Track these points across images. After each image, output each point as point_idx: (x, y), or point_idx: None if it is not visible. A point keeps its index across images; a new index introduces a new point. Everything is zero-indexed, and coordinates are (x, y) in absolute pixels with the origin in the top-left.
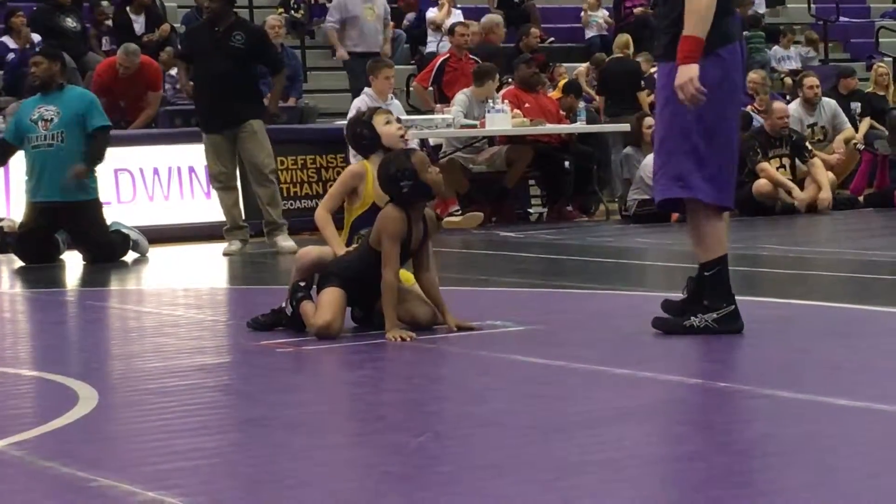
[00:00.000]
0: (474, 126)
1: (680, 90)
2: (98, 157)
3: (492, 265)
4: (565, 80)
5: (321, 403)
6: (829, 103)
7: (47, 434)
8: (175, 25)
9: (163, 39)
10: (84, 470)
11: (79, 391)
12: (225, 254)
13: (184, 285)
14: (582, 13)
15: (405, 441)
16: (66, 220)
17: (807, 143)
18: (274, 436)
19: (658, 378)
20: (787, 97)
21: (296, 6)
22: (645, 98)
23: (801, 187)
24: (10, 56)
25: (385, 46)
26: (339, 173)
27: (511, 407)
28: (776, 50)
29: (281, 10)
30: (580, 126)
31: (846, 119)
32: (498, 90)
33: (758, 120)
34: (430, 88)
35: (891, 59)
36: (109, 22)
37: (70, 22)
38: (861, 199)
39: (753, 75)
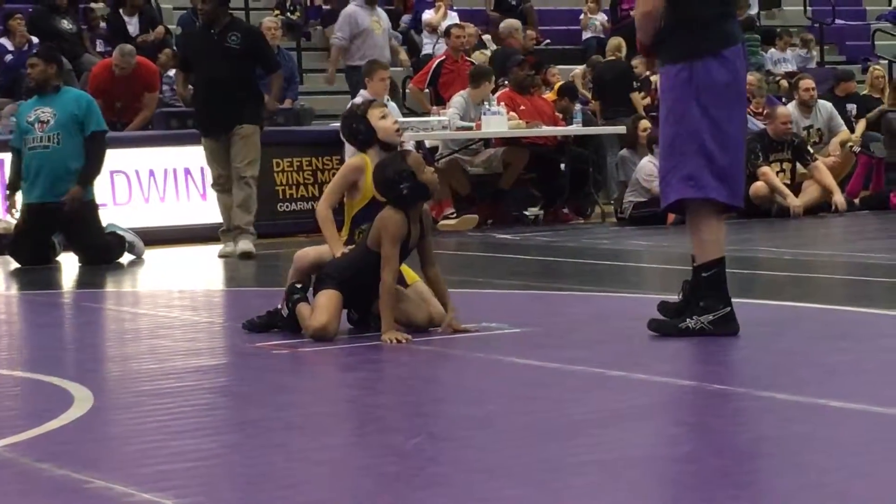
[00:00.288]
0: (470, 128)
1: None
2: (97, 166)
3: (488, 267)
4: (561, 84)
5: (317, 405)
6: (825, 106)
7: (42, 435)
8: (171, 27)
9: (158, 41)
10: (79, 471)
11: (74, 393)
12: (220, 255)
13: (179, 287)
14: (581, 15)
15: (401, 442)
16: (61, 222)
17: (808, 147)
18: (270, 437)
19: (654, 380)
20: (784, 100)
21: (292, 8)
22: (639, 99)
23: (800, 190)
24: (8, 57)
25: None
26: (334, 175)
27: (507, 409)
28: (772, 52)
29: (277, 12)
30: (576, 128)
31: (842, 122)
32: (493, 92)
33: (752, 122)
34: (427, 90)
35: (886, 61)
36: (103, 24)
37: (66, 24)
38: (857, 201)
39: (749, 77)
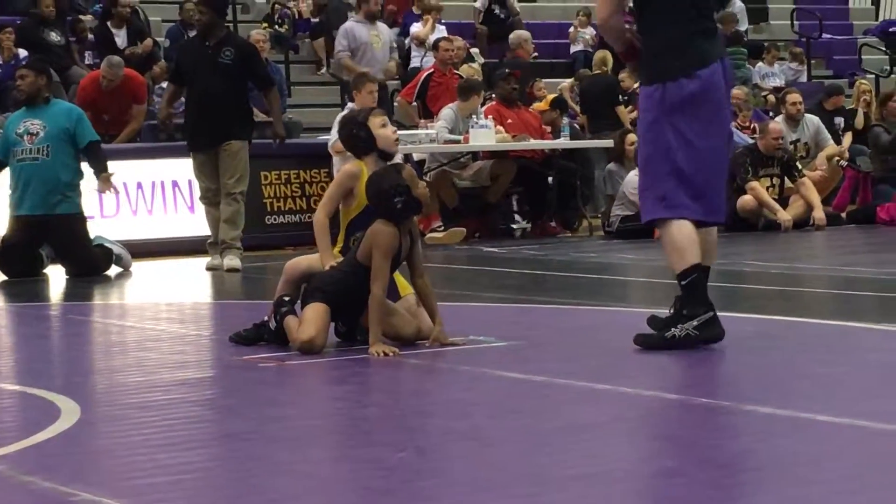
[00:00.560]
0: (457, 141)
1: None
2: (104, 166)
3: (475, 281)
4: (555, 96)
5: (304, 418)
6: (812, 120)
7: (29, 448)
8: (159, 40)
9: (146, 53)
10: (66, 484)
11: (61, 405)
12: (208, 268)
13: (167, 300)
14: (571, 29)
15: (388, 456)
16: (49, 234)
17: (797, 163)
18: (256, 450)
19: (640, 393)
20: (770, 114)
21: (280, 21)
22: (625, 113)
23: (787, 204)
24: None
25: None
26: (323, 188)
27: (493, 422)
28: (760, 66)
29: (265, 24)
30: (563, 142)
31: (829, 136)
32: (482, 105)
33: (738, 136)
34: (415, 103)
35: (873, 75)
36: (91, 36)
37: (54, 36)
38: (844, 215)
39: (736, 91)
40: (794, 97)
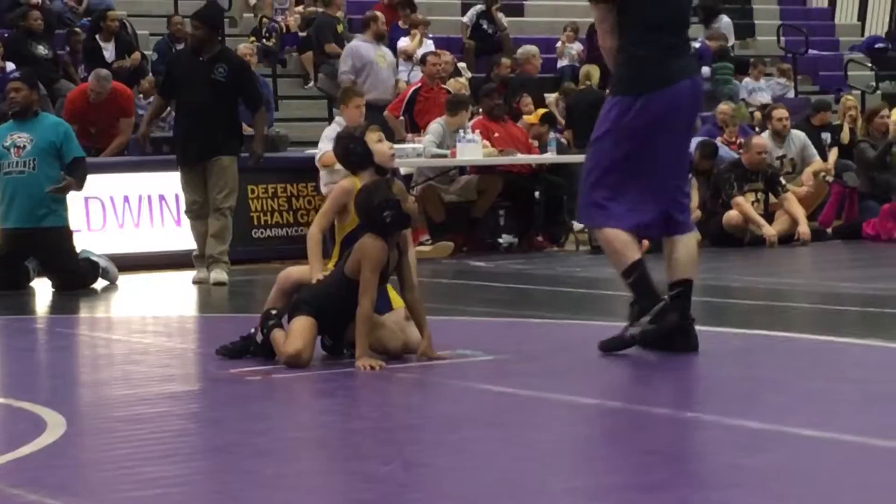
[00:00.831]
0: (445, 156)
1: None
2: (83, 183)
3: (462, 295)
4: (545, 111)
5: (291, 431)
6: (799, 135)
7: (15, 461)
8: (147, 53)
9: (134, 67)
10: (52, 497)
11: (47, 418)
12: (194, 281)
13: (153, 313)
14: (559, 44)
15: (375, 469)
16: (36, 247)
17: (781, 178)
18: (243, 463)
19: (626, 408)
20: (757, 129)
21: (267, 35)
22: None
23: (773, 219)
24: None
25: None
26: (310, 202)
27: (479, 435)
28: (747, 82)
29: (252, 38)
30: (550, 157)
31: (815, 151)
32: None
33: (725, 151)
34: (402, 118)
35: (859, 91)
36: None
37: (42, 49)
38: (829, 230)
39: (723, 107)
40: (780, 113)
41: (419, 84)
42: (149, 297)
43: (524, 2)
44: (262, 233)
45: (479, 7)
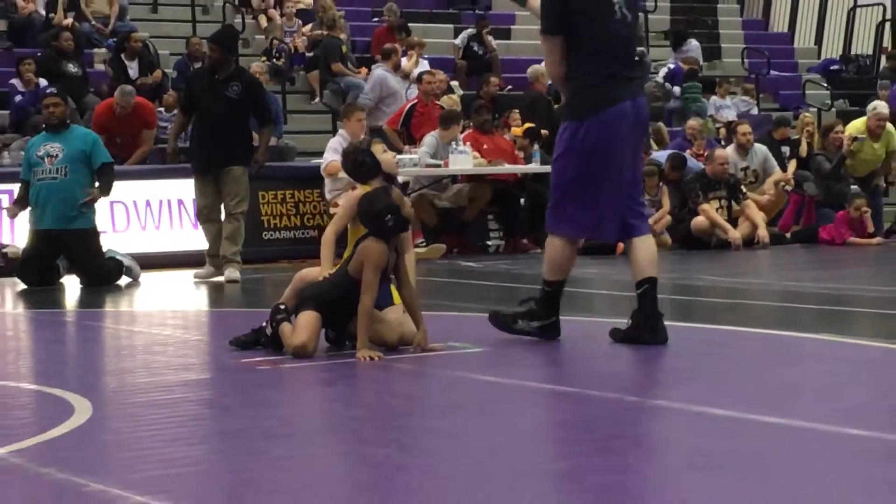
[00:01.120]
0: (438, 166)
1: None
2: (110, 188)
3: (454, 292)
4: (529, 126)
5: (297, 417)
6: (761, 149)
7: (45, 443)
8: (167, 71)
9: (156, 83)
10: (78, 476)
11: (75, 403)
12: (195, 276)
13: (172, 307)
14: (543, 64)
15: (373, 452)
16: (65, 247)
17: (742, 186)
18: (253, 446)
19: (601, 396)
20: (723, 143)
21: (277, 55)
22: None
23: (736, 225)
24: (18, 98)
25: None
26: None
27: (470, 421)
28: (714, 100)
29: (264, 58)
30: (534, 167)
31: (776, 164)
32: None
33: (692, 162)
34: (400, 131)
35: (816, 109)
36: (101, 66)
37: (72, 67)
38: (788, 235)
39: (692, 122)
40: (745, 128)
41: (415, 100)
42: (168, 293)
43: (511, 26)
44: (271, 235)
45: (470, 30)
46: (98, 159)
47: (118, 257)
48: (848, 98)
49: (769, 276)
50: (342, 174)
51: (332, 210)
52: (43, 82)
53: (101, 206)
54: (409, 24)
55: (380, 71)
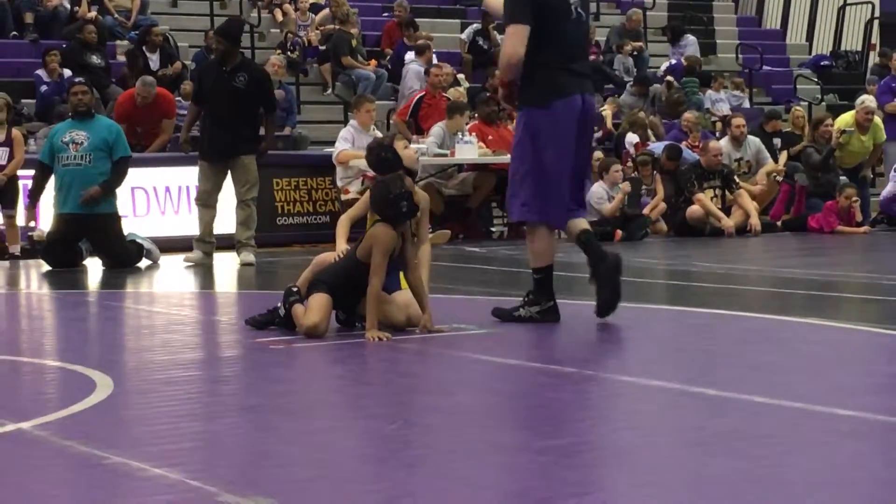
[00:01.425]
0: (445, 155)
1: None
2: (116, 183)
3: (459, 276)
4: None
5: (308, 394)
6: (754, 141)
7: (68, 417)
8: (186, 62)
9: (175, 75)
10: (99, 449)
11: (96, 380)
12: (185, 260)
13: (190, 289)
14: None
15: (381, 427)
16: (88, 231)
17: (735, 177)
18: (266, 421)
19: (598, 375)
20: (717, 135)
21: (291, 48)
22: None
23: (729, 214)
24: (44, 87)
25: None
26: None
27: (473, 399)
28: (710, 94)
29: (279, 51)
30: None
31: (769, 155)
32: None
33: (688, 153)
34: (409, 121)
35: (806, 103)
36: (122, 58)
37: (95, 59)
38: (779, 223)
39: (688, 115)
40: (739, 121)
41: (423, 92)
42: (186, 275)
43: None
44: (285, 220)
45: (476, 26)
46: (118, 152)
47: (138, 240)
48: (837, 92)
49: (760, 262)
50: (353, 162)
51: (343, 196)
52: (67, 73)
53: (123, 191)
54: (418, 20)
55: (414, 66)
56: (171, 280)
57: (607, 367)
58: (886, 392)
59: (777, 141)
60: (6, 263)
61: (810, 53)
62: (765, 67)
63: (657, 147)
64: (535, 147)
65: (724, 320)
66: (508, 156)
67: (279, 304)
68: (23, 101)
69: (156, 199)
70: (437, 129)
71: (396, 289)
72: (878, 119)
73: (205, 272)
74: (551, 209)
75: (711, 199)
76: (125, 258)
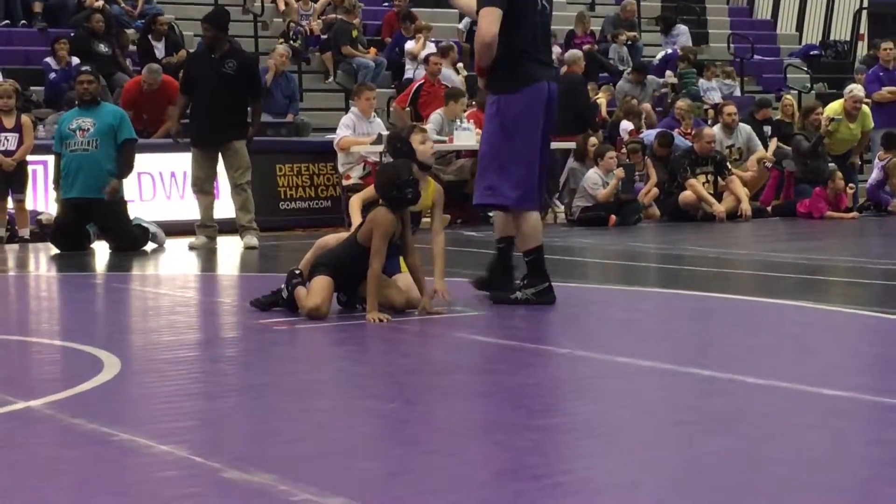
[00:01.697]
0: (443, 142)
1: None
2: (128, 167)
3: (457, 260)
4: None
5: (311, 373)
6: (745, 128)
7: (76, 395)
8: (191, 51)
9: (180, 63)
10: (107, 426)
11: (104, 360)
12: (190, 247)
13: (195, 271)
14: None
15: (381, 406)
16: (96, 214)
17: (727, 163)
18: (270, 400)
19: (592, 356)
20: (710, 123)
21: (294, 37)
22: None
23: (721, 199)
24: (52, 75)
25: None
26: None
27: (470, 379)
28: (702, 82)
29: (281, 40)
30: None
31: (759, 142)
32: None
33: (680, 139)
34: (408, 109)
35: (796, 91)
36: (132, 47)
37: (102, 47)
38: (769, 209)
39: (681, 103)
40: (730, 109)
41: (422, 80)
42: (191, 257)
43: None
44: (288, 205)
45: None
46: (122, 135)
47: (144, 224)
48: (826, 81)
49: (751, 246)
50: (354, 148)
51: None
52: (75, 61)
53: (130, 176)
54: (417, 10)
55: (446, 73)
56: (176, 263)
57: (601, 348)
58: (873, 372)
59: (767, 129)
60: (16, 246)
61: (800, 43)
62: (755, 57)
63: (648, 135)
64: (505, 132)
65: (715, 303)
66: None
67: (282, 287)
68: (32, 88)
69: (161, 184)
70: (436, 116)
71: (396, 272)
72: (865, 107)
73: (209, 255)
74: (524, 192)
75: (703, 184)
76: (131, 241)
